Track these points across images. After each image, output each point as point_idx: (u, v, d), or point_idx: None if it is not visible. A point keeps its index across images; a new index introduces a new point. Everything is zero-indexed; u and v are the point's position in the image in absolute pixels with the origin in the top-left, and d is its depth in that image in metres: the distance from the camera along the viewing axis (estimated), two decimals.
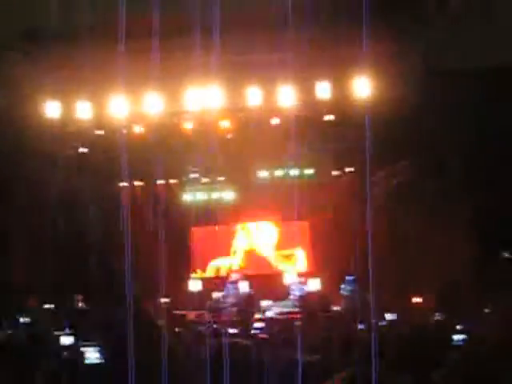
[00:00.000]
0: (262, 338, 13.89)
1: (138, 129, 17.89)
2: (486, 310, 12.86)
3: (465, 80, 15.22)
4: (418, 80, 15.57)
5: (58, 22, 14.27)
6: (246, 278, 20.22)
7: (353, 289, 18.83)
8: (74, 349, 6.58)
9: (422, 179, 17.45)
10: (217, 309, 18.67)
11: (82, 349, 6.37)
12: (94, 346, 6.57)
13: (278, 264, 21.32)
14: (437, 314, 14.84)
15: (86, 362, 6.13)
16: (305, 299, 19.38)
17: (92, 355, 6.26)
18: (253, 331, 14.59)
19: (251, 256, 21.45)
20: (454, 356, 4.97)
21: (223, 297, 19.58)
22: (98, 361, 5.99)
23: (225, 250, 21.23)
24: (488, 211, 15.87)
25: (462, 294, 14.88)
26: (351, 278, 18.93)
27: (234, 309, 19.11)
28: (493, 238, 16.01)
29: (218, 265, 21.02)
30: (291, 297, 19.60)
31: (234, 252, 21.40)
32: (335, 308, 18.68)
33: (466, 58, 15.32)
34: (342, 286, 19.10)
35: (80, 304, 17.83)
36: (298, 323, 14.66)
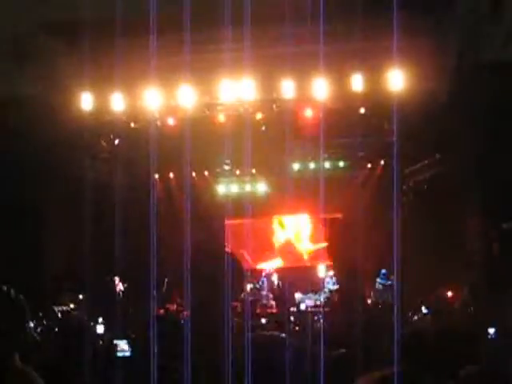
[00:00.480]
0: (295, 331, 13.92)
1: (171, 121, 17.95)
2: None
3: (500, 74, 15.04)
4: (453, 73, 15.43)
5: (94, 14, 14.35)
6: (281, 270, 20.29)
7: (385, 283, 18.84)
8: (107, 339, 6.57)
9: (455, 174, 17.32)
10: (251, 301, 18.75)
11: (116, 341, 6.39)
12: (126, 338, 6.59)
13: (314, 261, 21.30)
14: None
15: (118, 354, 6.14)
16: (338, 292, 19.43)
17: (124, 348, 6.27)
18: (286, 323, 14.65)
19: (288, 251, 21.52)
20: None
21: (257, 289, 19.64)
22: (128, 353, 6.00)
23: (265, 247, 21.32)
24: None
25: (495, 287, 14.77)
26: (384, 271, 18.94)
27: (268, 301, 19.18)
28: None
29: (265, 268, 20.98)
30: (325, 289, 19.64)
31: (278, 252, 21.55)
32: (369, 301, 18.73)
33: (502, 51, 15.14)
34: (378, 279, 19.11)
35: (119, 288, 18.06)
36: (329, 316, 14.69)
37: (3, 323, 3.20)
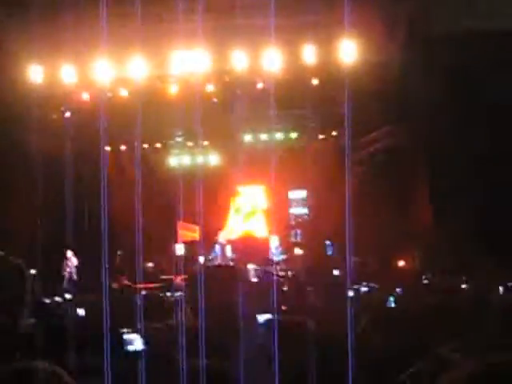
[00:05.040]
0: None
1: (123, 93, 17.78)
2: None
3: (450, 45, 15.19)
4: (403, 44, 15.53)
5: None
6: (234, 241, 20.34)
7: (330, 254, 19.01)
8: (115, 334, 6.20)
9: (405, 144, 17.51)
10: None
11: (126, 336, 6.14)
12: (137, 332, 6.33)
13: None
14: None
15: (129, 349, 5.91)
16: (289, 263, 19.55)
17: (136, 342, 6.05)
18: None
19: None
20: None
21: (210, 260, 19.65)
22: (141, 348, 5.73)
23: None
24: (473, 174, 15.92)
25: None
26: (328, 243, 19.08)
27: None
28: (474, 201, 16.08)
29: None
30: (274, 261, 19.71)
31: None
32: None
33: (451, 23, 15.28)
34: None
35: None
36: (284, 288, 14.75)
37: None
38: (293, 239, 21.02)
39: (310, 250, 19.63)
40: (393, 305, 9.10)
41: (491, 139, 15.23)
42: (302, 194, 21.58)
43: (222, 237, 20.88)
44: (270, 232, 21.12)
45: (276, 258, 19.76)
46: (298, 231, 21.24)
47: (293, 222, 21.72)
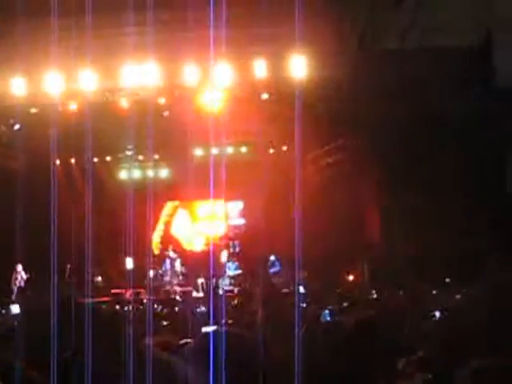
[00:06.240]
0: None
1: (72, 106, 17.66)
2: None
3: (400, 60, 15.42)
4: (354, 59, 15.70)
5: None
6: (182, 255, 20.26)
7: (276, 269, 19.06)
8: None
9: (356, 158, 17.65)
10: (154, 287, 18.65)
11: None
12: None
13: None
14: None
15: None
16: (241, 277, 19.56)
17: None
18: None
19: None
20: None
21: (160, 274, 19.52)
22: None
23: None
24: (424, 186, 16.13)
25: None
26: (273, 258, 19.12)
27: (171, 287, 19.11)
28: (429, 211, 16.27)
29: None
30: (226, 275, 19.69)
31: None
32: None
33: (400, 39, 15.51)
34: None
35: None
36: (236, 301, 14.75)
37: None
38: (231, 250, 21.00)
39: (250, 266, 19.61)
40: (328, 318, 9.06)
41: (444, 154, 15.46)
42: (238, 205, 21.75)
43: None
44: (221, 246, 21.12)
45: (231, 273, 19.75)
46: (236, 242, 21.27)
47: (230, 234, 21.80)
